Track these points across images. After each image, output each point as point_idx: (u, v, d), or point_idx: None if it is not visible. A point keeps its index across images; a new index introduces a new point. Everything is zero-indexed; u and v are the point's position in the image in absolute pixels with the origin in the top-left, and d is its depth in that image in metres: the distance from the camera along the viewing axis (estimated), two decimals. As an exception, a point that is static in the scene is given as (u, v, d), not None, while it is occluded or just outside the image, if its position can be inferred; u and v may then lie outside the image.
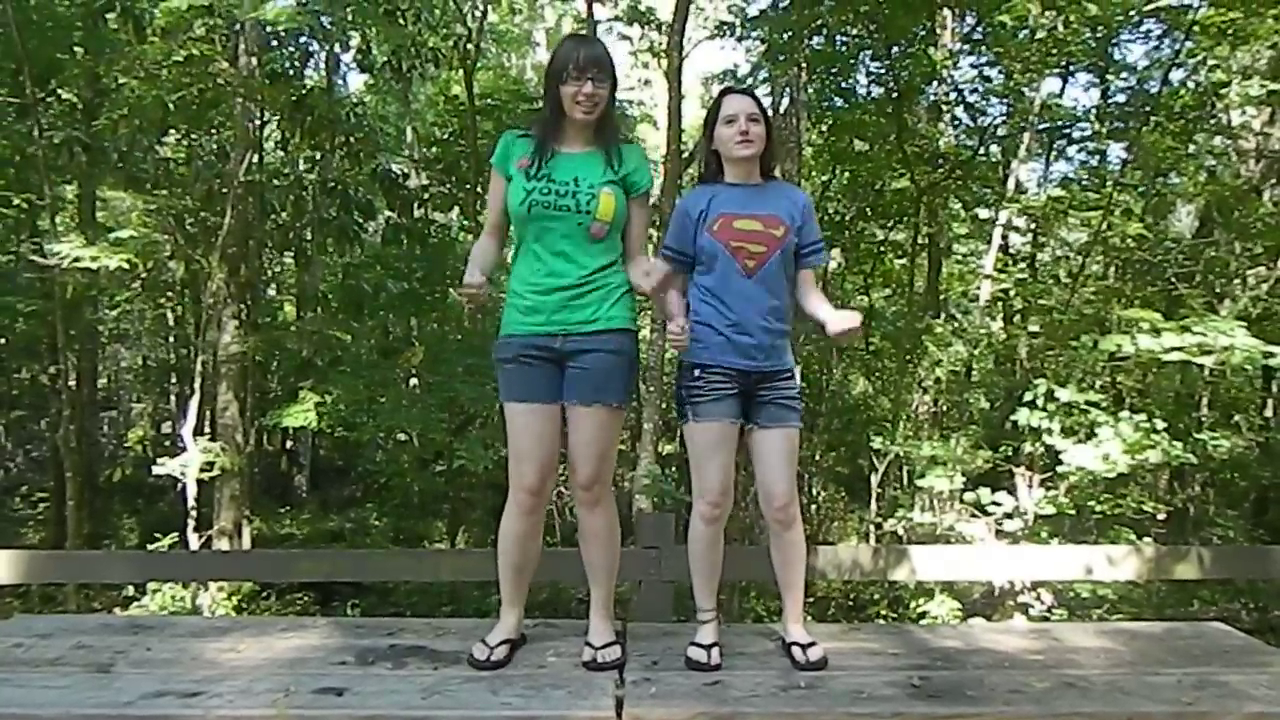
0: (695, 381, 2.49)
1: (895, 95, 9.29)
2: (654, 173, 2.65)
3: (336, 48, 10.77)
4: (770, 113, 2.66)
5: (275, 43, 9.55)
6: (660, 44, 12.09)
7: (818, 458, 10.19)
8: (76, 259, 7.20)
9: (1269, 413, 10.08)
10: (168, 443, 12.27)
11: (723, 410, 2.47)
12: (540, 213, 2.40)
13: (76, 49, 9.41)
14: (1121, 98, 9.58)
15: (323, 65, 11.65)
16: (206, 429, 9.26)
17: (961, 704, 2.20)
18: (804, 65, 8.91)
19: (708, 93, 16.03)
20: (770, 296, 2.49)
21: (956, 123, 10.78)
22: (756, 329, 2.47)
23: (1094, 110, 9.52)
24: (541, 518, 2.51)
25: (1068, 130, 9.98)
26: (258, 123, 10.08)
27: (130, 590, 8.00)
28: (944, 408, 9.71)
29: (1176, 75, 8.03)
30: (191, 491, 7.75)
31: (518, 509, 2.45)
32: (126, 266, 7.50)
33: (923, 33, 9.25)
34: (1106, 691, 2.28)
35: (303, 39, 9.87)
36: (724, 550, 2.58)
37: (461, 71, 10.10)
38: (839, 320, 2.45)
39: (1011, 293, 8.79)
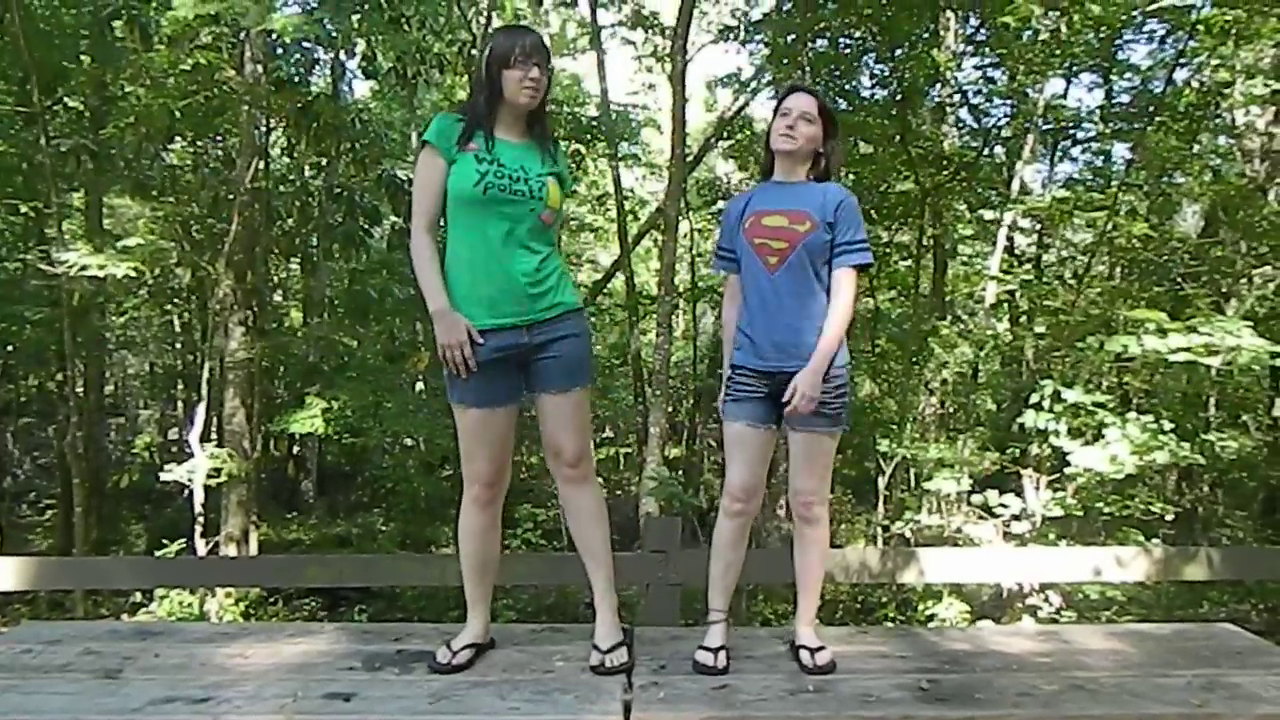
0: (727, 381, 2.56)
1: (899, 97, 9.29)
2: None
3: (342, 55, 10.79)
4: (835, 121, 2.57)
5: (281, 50, 9.59)
6: (664, 48, 12.12)
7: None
8: (84, 266, 7.21)
9: (1277, 412, 10.02)
10: (175, 449, 12.32)
11: (743, 412, 2.50)
12: (496, 196, 2.32)
13: (83, 57, 9.46)
14: (1125, 98, 9.58)
15: (328, 72, 11.68)
16: (213, 435, 9.28)
17: (970, 707, 2.20)
18: (807, 68, 8.90)
19: (712, 96, 16.07)
20: (794, 295, 2.43)
21: (960, 124, 10.76)
22: (780, 328, 2.44)
23: (1098, 111, 9.51)
24: (499, 511, 2.52)
25: (1072, 131, 9.97)
26: (264, 130, 10.11)
27: (138, 596, 8.01)
28: (950, 409, 9.68)
29: (1180, 75, 8.00)
30: (199, 498, 7.74)
31: (475, 504, 2.47)
32: (133, 274, 7.52)
33: (926, 35, 9.24)
34: (1115, 694, 2.28)
35: (308, 46, 9.89)
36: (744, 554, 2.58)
37: (466, 77, 10.12)
38: (796, 386, 2.39)
39: (1017, 294, 8.77)
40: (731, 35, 9.63)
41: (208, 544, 7.90)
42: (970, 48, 9.62)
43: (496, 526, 2.53)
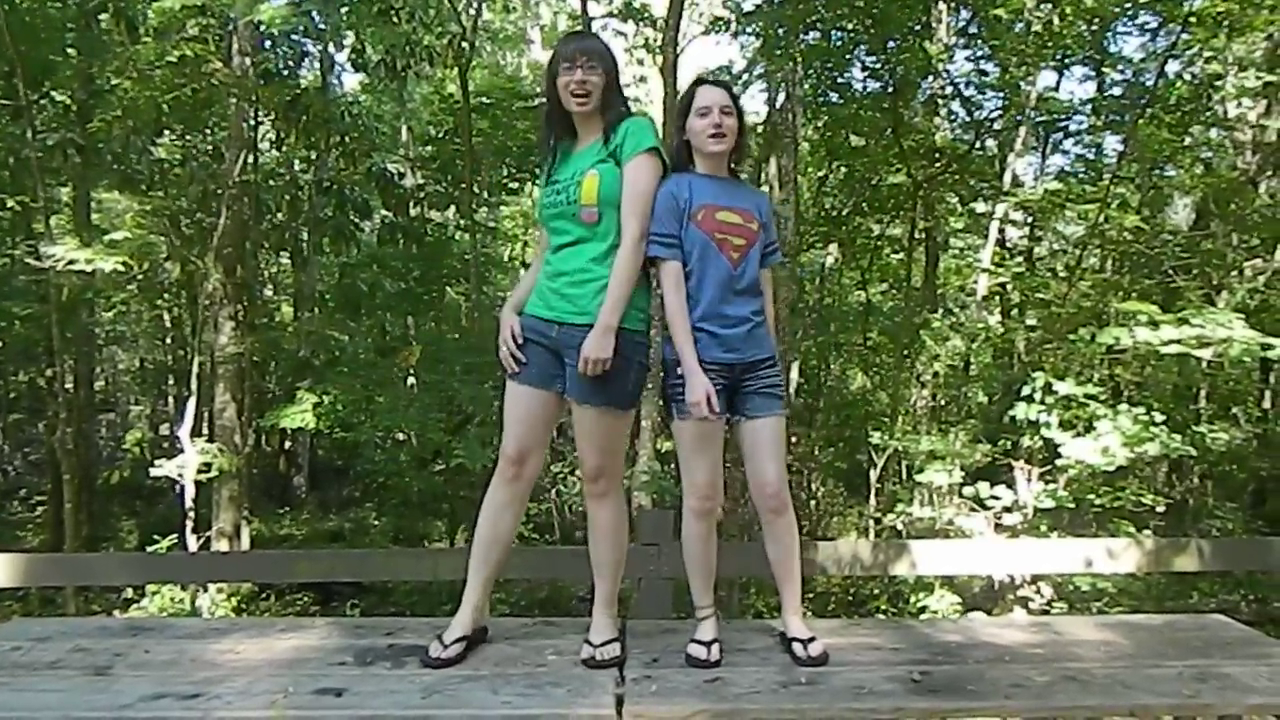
0: (680, 379, 2.44)
1: (891, 90, 9.28)
2: (655, 131, 2.48)
3: (331, 47, 10.74)
4: (742, 106, 2.60)
5: (269, 42, 9.53)
6: (655, 40, 12.07)
7: (816, 453, 10.18)
8: (72, 261, 7.18)
9: (1267, 404, 10.09)
10: (166, 444, 12.25)
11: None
12: (547, 215, 2.49)
13: (70, 50, 9.38)
14: (1117, 90, 9.60)
15: (317, 65, 11.63)
16: (204, 430, 9.25)
17: (962, 698, 2.20)
18: (799, 60, 8.89)
19: (703, 89, 16.03)
20: (752, 288, 2.52)
21: (952, 117, 10.77)
22: (742, 320, 2.48)
23: (1090, 103, 9.53)
24: (522, 494, 2.53)
25: (1064, 123, 9.99)
26: (252, 123, 10.05)
27: (129, 592, 7.99)
28: (942, 402, 9.71)
29: (1172, 67, 8.03)
30: (190, 493, 7.72)
31: (499, 478, 2.50)
32: (122, 268, 7.48)
33: (918, 27, 9.23)
34: (1107, 685, 2.28)
35: (297, 38, 9.84)
36: (720, 546, 2.58)
37: (456, 70, 10.07)
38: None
39: (1009, 286, 8.79)
40: (723, 27, 9.59)
41: (199, 539, 7.89)
42: (962, 40, 9.62)
43: (513, 508, 2.51)
